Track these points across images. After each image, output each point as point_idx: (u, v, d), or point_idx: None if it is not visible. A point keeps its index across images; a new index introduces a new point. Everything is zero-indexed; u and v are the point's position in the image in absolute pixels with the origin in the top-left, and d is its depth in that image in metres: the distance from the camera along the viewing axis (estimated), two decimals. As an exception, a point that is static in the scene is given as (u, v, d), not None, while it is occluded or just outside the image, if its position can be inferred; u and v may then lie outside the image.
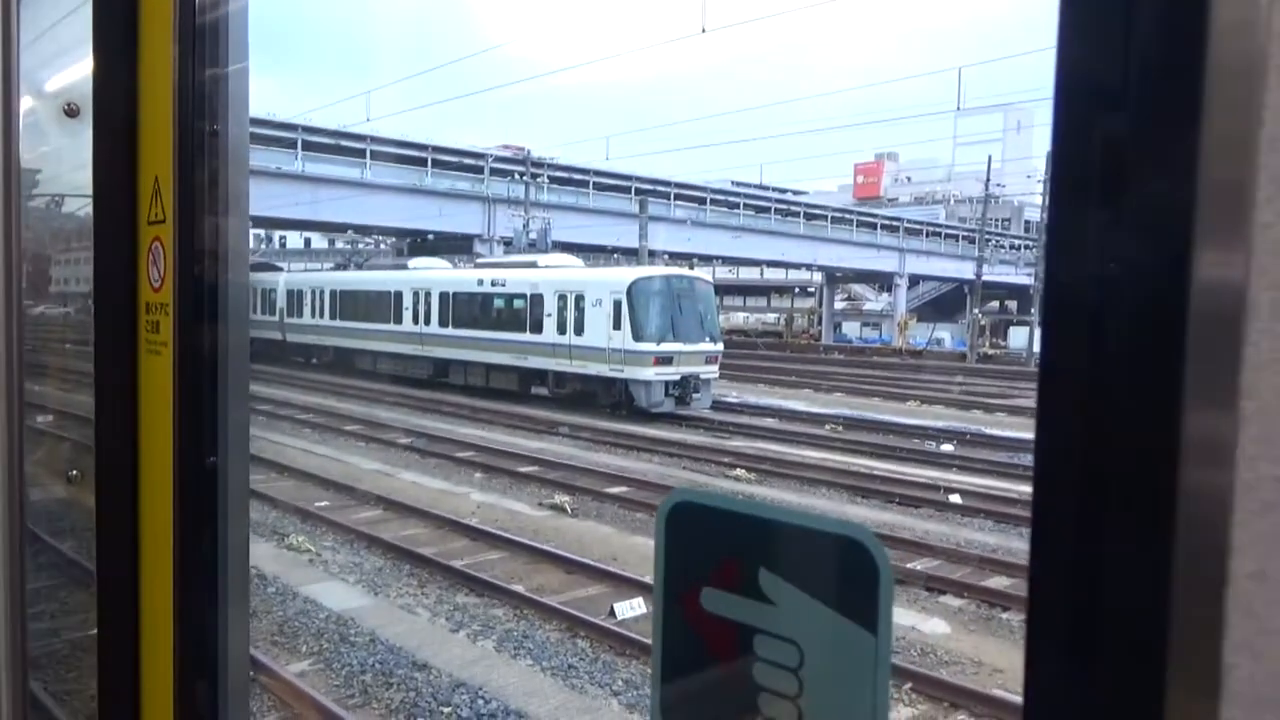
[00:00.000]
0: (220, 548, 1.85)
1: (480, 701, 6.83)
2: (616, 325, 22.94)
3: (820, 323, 64.16)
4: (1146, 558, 0.57)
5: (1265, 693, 0.53)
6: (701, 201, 48.79)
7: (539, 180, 41.40)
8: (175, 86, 1.80)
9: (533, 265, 27.88)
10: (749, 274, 72.32)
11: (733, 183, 58.24)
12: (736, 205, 51.19)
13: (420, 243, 43.76)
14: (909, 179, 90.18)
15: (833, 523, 0.83)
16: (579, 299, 24.17)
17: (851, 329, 65.64)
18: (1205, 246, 0.55)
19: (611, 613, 8.57)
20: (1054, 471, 0.64)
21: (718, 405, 23.69)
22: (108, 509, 2.05)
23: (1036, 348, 0.70)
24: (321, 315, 35.04)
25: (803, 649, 0.83)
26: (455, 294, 28.65)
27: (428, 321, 29.35)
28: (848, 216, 58.25)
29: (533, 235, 37.79)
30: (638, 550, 10.64)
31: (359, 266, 43.07)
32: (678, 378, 22.50)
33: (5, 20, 2.27)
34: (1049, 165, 0.65)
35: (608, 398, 23.37)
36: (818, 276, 63.22)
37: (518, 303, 26.16)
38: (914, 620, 8.59)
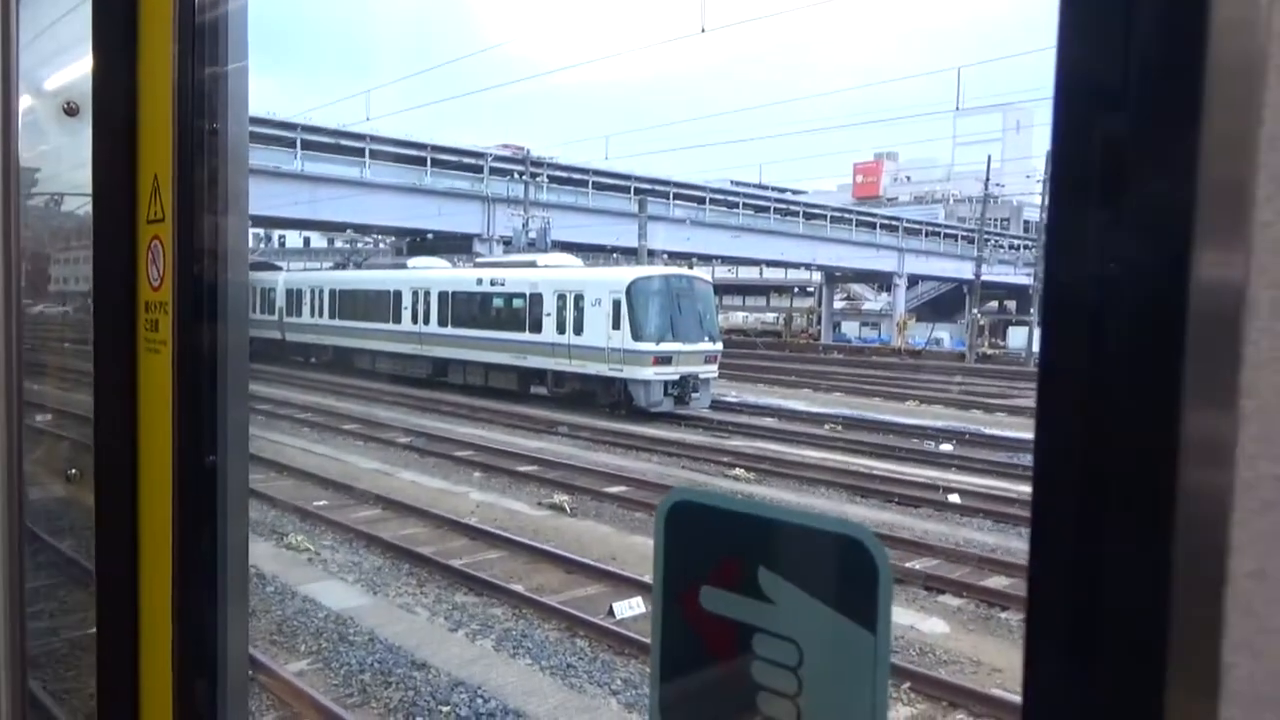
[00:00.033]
0: (219, 547, 1.85)
1: (479, 700, 6.83)
2: (616, 325, 22.94)
3: (819, 322, 64.17)
4: (1146, 557, 0.57)
5: (1264, 691, 0.53)
6: (701, 201, 48.77)
7: (538, 180, 41.39)
8: (175, 85, 1.80)
9: (532, 265, 27.88)
10: (748, 273, 72.31)
11: (732, 182, 58.24)
12: (736, 205, 51.19)
13: (419, 242, 43.74)
14: (908, 179, 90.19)
15: (832, 522, 0.83)
16: (578, 298, 24.17)
17: (851, 329, 65.64)
18: (1205, 245, 0.55)
19: (610, 612, 8.58)
20: (1053, 471, 0.64)
21: (717, 405, 23.69)
22: (107, 508, 2.05)
23: (1035, 347, 0.69)
24: (321, 314, 35.03)
25: (802, 648, 0.83)
26: (454, 293, 28.65)
27: (427, 321, 29.34)
28: (847, 216, 58.25)
29: (532, 235, 37.78)
30: (637, 550, 10.64)
31: (358, 266, 43.05)
32: (677, 377, 22.51)
33: (4, 18, 2.27)
34: (1048, 165, 0.65)
35: (607, 397, 23.37)
36: (817, 276, 63.23)
37: (517, 302, 26.16)
38: (913, 619, 8.59)
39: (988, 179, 50.04)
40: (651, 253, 36.12)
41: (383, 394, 25.59)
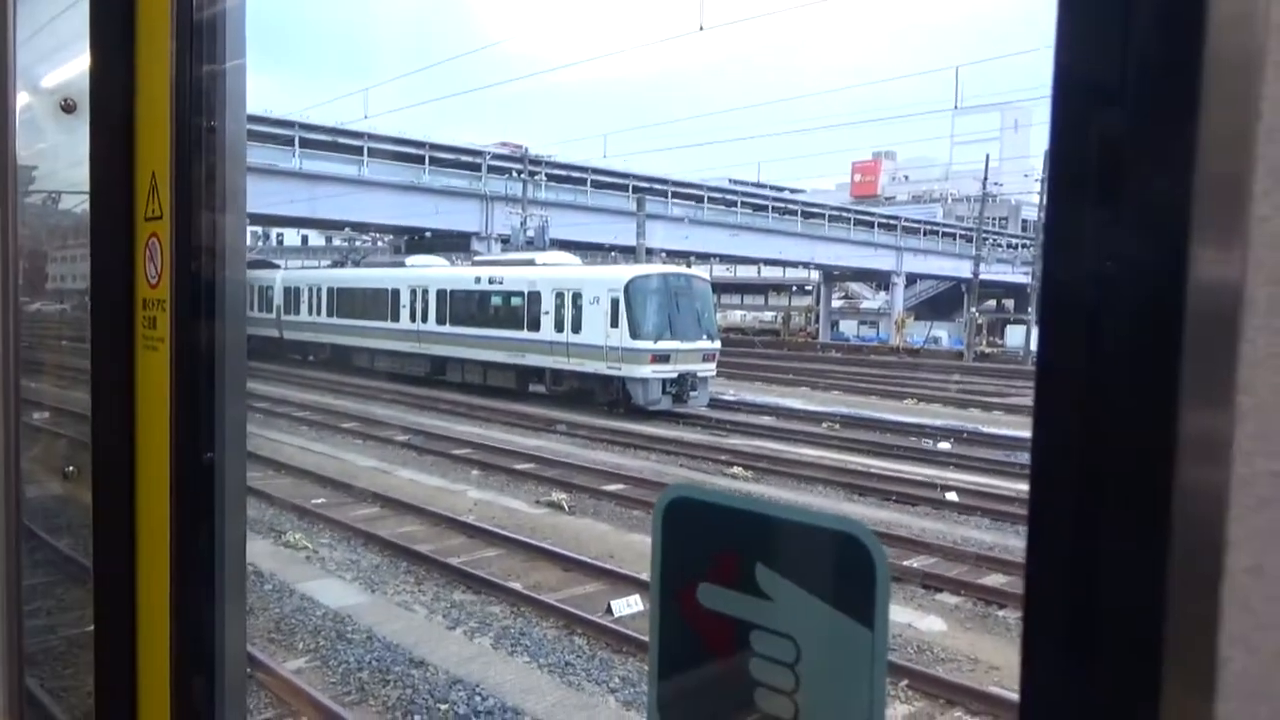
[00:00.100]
0: (217, 544, 1.85)
1: (477, 698, 6.83)
2: (614, 323, 22.94)
3: (817, 321, 64.18)
4: (1143, 554, 0.57)
5: (1260, 687, 0.53)
6: (699, 200, 48.77)
7: (537, 178, 41.37)
8: (173, 82, 1.80)
9: (530, 263, 27.87)
10: (746, 272, 72.34)
11: (730, 181, 58.27)
12: (734, 203, 51.19)
13: (418, 240, 43.71)
14: (906, 177, 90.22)
15: (829, 518, 0.83)
16: (576, 297, 24.16)
17: (849, 327, 65.64)
18: (1202, 241, 0.55)
19: (608, 610, 8.58)
20: (1051, 468, 0.64)
21: (715, 403, 23.69)
22: (104, 505, 2.05)
23: (1033, 346, 0.69)
24: (318, 313, 35.00)
25: (799, 644, 0.83)
26: (453, 291, 28.63)
27: (425, 319, 29.32)
28: (845, 215, 58.27)
29: (530, 233, 37.75)
30: (635, 548, 10.64)
31: (356, 264, 43.01)
32: (675, 375, 22.51)
33: (2, 15, 2.26)
34: (1047, 164, 0.65)
35: (605, 395, 23.37)
36: (815, 275, 63.24)
37: (515, 300, 26.15)
38: (911, 617, 8.60)
39: (986, 178, 50.06)
40: (650, 251, 36.12)
41: (381, 392, 25.58)
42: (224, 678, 1.86)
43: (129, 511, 2.00)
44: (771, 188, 61.50)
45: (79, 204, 2.42)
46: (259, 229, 58.09)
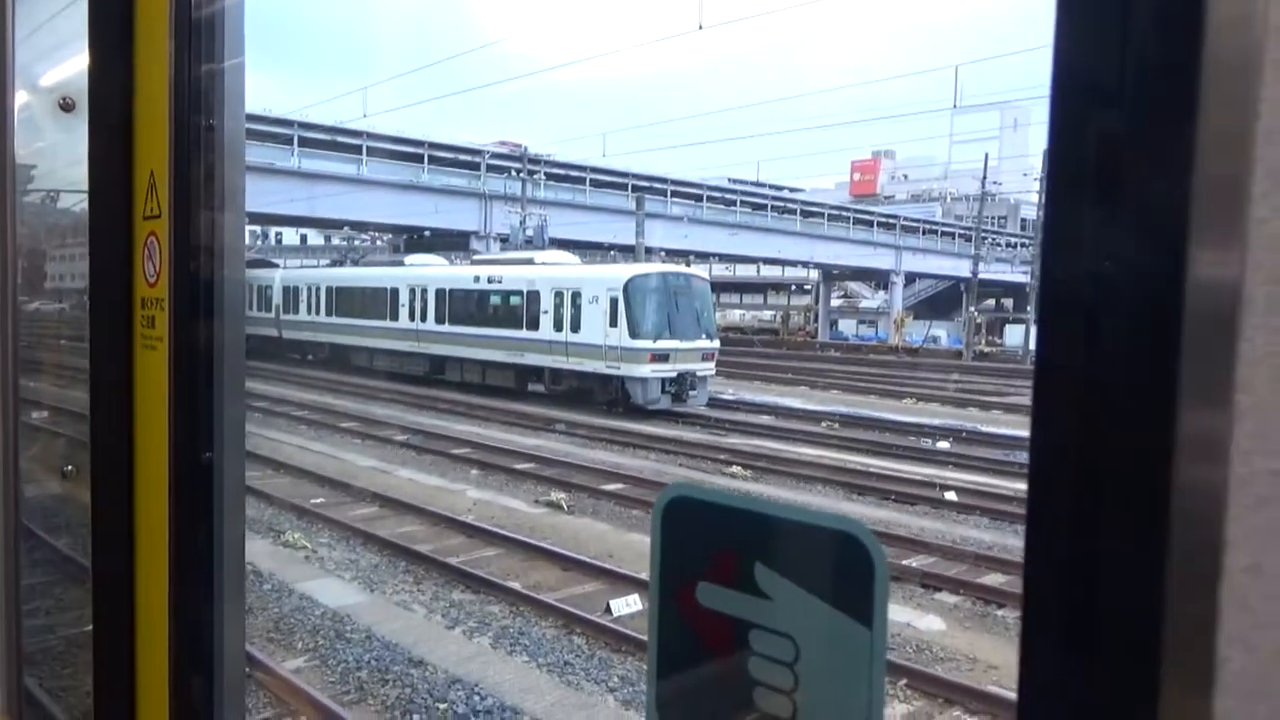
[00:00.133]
0: (216, 543, 1.85)
1: (476, 698, 6.84)
2: (613, 322, 22.93)
3: (816, 320, 64.19)
4: (1142, 553, 0.57)
5: (1258, 685, 0.53)
6: (698, 199, 48.76)
7: (536, 177, 41.35)
8: (171, 81, 1.80)
9: (529, 262, 27.85)
10: (746, 271, 72.35)
11: (729, 180, 58.24)
12: (733, 202, 51.17)
13: (417, 239, 43.68)
14: (905, 177, 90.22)
15: (828, 518, 0.83)
16: (575, 296, 24.15)
17: (848, 326, 65.65)
18: (1201, 242, 0.55)
19: (608, 610, 8.58)
20: (1050, 467, 0.64)
21: (714, 402, 23.69)
22: (103, 505, 2.04)
23: (1032, 345, 0.69)
24: (317, 312, 34.99)
25: (798, 644, 0.83)
26: (452, 291, 28.61)
27: (424, 318, 29.31)
28: (844, 214, 58.27)
29: (529, 232, 37.74)
30: (634, 547, 10.64)
31: (355, 263, 42.99)
32: (674, 375, 22.51)
33: (1, 14, 2.26)
34: (1045, 163, 0.65)
35: (604, 395, 23.37)
36: (814, 274, 63.26)
37: (514, 299, 26.14)
38: (910, 617, 8.61)
39: (985, 177, 50.08)
40: (649, 250, 36.12)
41: (380, 391, 25.57)
42: (223, 677, 1.86)
43: (128, 511, 2.00)
44: (770, 187, 61.50)
45: (77, 203, 2.42)
46: (258, 228, 58.11)
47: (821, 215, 55.83)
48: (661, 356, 22.43)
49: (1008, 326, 54.96)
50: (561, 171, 44.21)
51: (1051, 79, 0.62)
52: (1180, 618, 0.56)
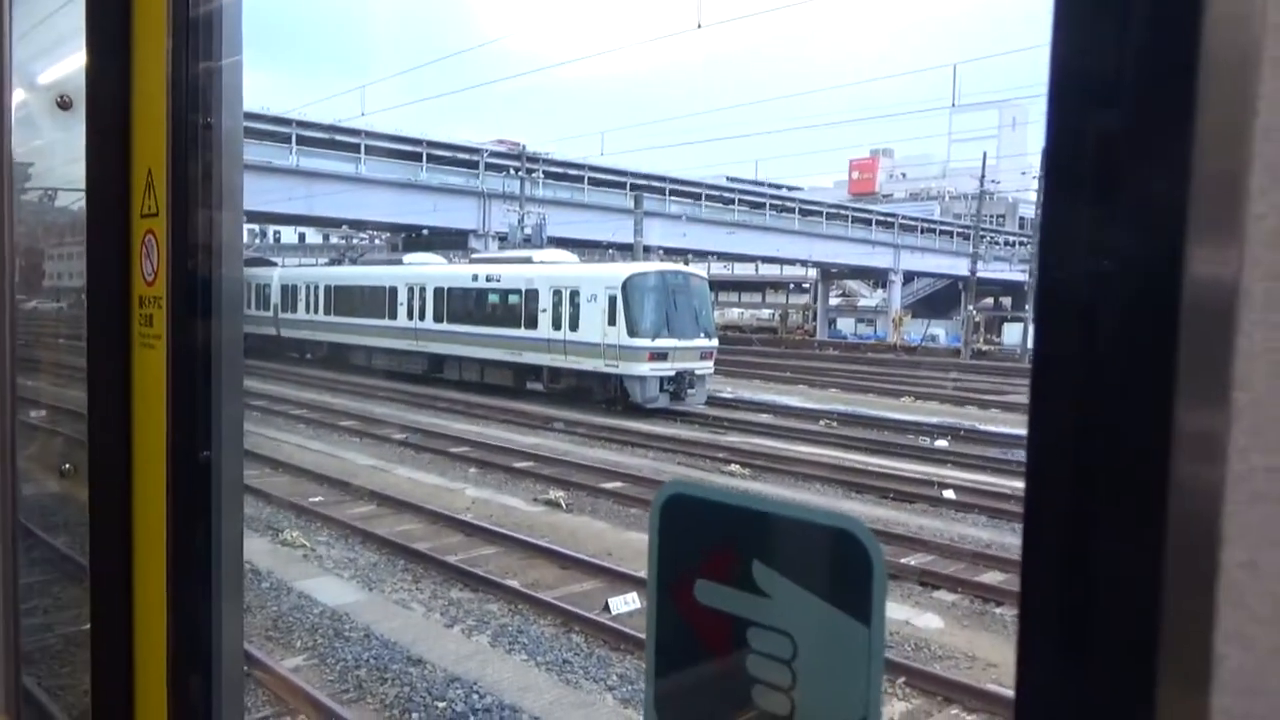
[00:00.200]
0: (214, 542, 1.84)
1: (475, 696, 6.84)
2: (611, 321, 22.93)
3: (815, 319, 64.23)
4: (1139, 550, 0.57)
5: (1256, 682, 0.53)
6: (697, 197, 48.79)
7: (534, 175, 41.34)
8: (169, 79, 1.80)
9: (528, 261, 27.86)
10: (744, 270, 72.38)
11: (728, 178, 58.25)
12: (731, 201, 51.20)
13: (415, 238, 43.69)
14: (904, 175, 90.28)
15: (826, 515, 0.83)
16: (574, 294, 24.15)
17: (846, 325, 65.70)
18: (1199, 238, 0.55)
19: (606, 608, 8.59)
20: (1047, 465, 0.64)
21: (712, 401, 23.70)
22: (101, 503, 2.04)
23: (1031, 344, 0.69)
24: (316, 310, 34.97)
25: (796, 641, 0.83)
26: (450, 289, 28.61)
27: (422, 317, 29.31)
28: (843, 212, 58.30)
29: (528, 230, 37.73)
30: (632, 545, 10.65)
31: (353, 261, 42.97)
32: (672, 373, 22.52)
33: (-3, 12, 2.26)
34: (1043, 160, 0.65)
35: (602, 393, 23.38)
36: (813, 272, 63.29)
37: (513, 298, 26.13)
38: (908, 615, 8.62)
39: (983, 175, 50.11)
40: (647, 249, 36.12)
41: (378, 390, 25.57)
42: (221, 676, 1.86)
43: (126, 510, 1.99)
44: (769, 185, 61.50)
45: (75, 201, 2.41)
46: (256, 226, 58.11)
47: (820, 214, 55.85)
48: (660, 355, 22.44)
49: (1006, 325, 55.03)
50: (560, 170, 44.22)
51: (1049, 76, 0.62)
52: (1177, 615, 0.56)
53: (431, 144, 39.67)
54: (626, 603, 8.66)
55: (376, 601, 8.99)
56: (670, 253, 41.32)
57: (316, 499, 12.81)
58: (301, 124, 36.48)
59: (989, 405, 24.08)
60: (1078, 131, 0.62)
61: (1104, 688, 0.60)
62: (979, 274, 48.12)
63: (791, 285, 72.60)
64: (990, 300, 63.19)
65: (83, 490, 2.10)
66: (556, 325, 24.46)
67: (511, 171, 40.53)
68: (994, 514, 12.17)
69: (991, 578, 9.56)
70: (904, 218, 59.79)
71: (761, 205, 52.57)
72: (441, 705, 6.74)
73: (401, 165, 38.73)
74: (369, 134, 37.74)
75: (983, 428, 19.45)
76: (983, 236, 51.23)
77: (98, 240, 2.00)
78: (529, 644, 7.85)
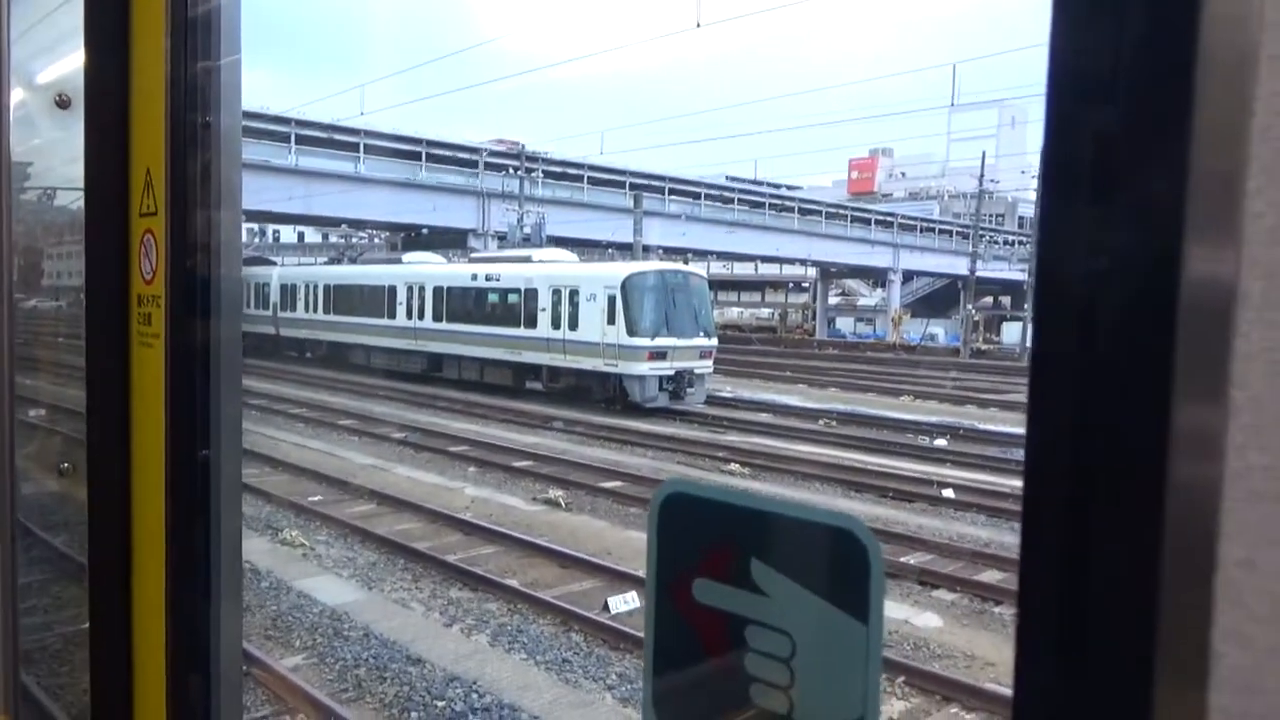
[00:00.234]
0: (213, 541, 1.84)
1: (474, 696, 6.84)
2: (611, 320, 22.93)
3: (814, 318, 64.24)
4: (1137, 548, 0.57)
5: (1253, 681, 0.53)
6: (696, 196, 48.79)
7: (533, 175, 41.33)
8: (167, 78, 1.79)
9: (527, 260, 27.86)
10: (743, 269, 72.39)
11: (727, 177, 58.26)
12: (731, 200, 51.20)
13: (414, 237, 43.69)
14: (903, 174, 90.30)
15: (824, 513, 0.83)
16: (573, 294, 24.15)
17: (846, 324, 65.74)
18: (1197, 237, 0.55)
19: (605, 607, 8.59)
20: (1045, 463, 0.64)
21: (712, 400, 23.71)
22: (99, 502, 2.04)
23: (1030, 343, 0.69)
24: (315, 310, 34.97)
25: (794, 639, 0.83)
26: (449, 289, 28.61)
27: (421, 316, 29.31)
28: (842, 212, 58.30)
29: (527, 230, 37.73)
30: (631, 544, 10.65)
31: (353, 261, 42.96)
32: (672, 372, 22.52)
33: (-4, 11, 2.25)
34: (1041, 159, 0.65)
35: (602, 393, 23.38)
36: (812, 272, 63.29)
37: (512, 297, 26.14)
38: (907, 614, 8.62)
39: (982, 175, 50.12)
40: (646, 248, 36.12)
41: (377, 389, 25.56)
42: (220, 675, 1.86)
43: (124, 508, 1.99)
44: (768, 184, 61.52)
45: (74, 200, 2.41)
46: (255, 226, 58.08)
47: (819, 213, 55.86)
48: (659, 354, 22.44)
49: (1005, 324, 55.09)
50: (559, 169, 44.21)
51: (1048, 75, 0.62)
52: (1175, 613, 0.56)
53: (431, 143, 39.65)
54: (626, 602, 8.66)
55: (376, 601, 8.99)
56: (669, 252, 41.33)
57: (316, 498, 12.80)
58: (300, 123, 36.46)
59: (988, 404, 24.09)
60: (1076, 130, 0.62)
61: (1102, 686, 0.60)
62: (978, 273, 48.15)
63: (791, 284, 72.62)
64: (989, 299, 63.22)
65: (81, 489, 2.10)
66: (556, 324, 24.45)
67: (511, 171, 40.53)
68: (993, 513, 12.18)
69: (990, 576, 9.56)
70: (903, 217, 59.79)
71: (761, 204, 52.57)
72: (441, 704, 6.74)
73: (400, 164, 38.71)
74: (368, 133, 37.73)
75: (982, 427, 19.45)
76: (982, 236, 51.25)
77: (96, 239, 2.00)
78: (528, 643, 7.85)
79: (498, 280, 26.98)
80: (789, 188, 64.29)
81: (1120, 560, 0.59)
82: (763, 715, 0.86)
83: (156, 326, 1.87)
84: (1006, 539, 10.88)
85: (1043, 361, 0.64)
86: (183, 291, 1.81)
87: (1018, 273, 52.22)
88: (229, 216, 1.83)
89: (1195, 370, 0.55)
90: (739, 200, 51.65)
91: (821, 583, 0.83)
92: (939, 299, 61.83)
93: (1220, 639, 0.54)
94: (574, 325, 23.94)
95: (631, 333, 22.57)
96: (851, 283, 69.07)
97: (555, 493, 13.24)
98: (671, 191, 47.26)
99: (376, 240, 54.36)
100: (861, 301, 68.48)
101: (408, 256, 36.01)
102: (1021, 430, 0.65)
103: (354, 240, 54.04)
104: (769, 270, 71.80)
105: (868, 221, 57.54)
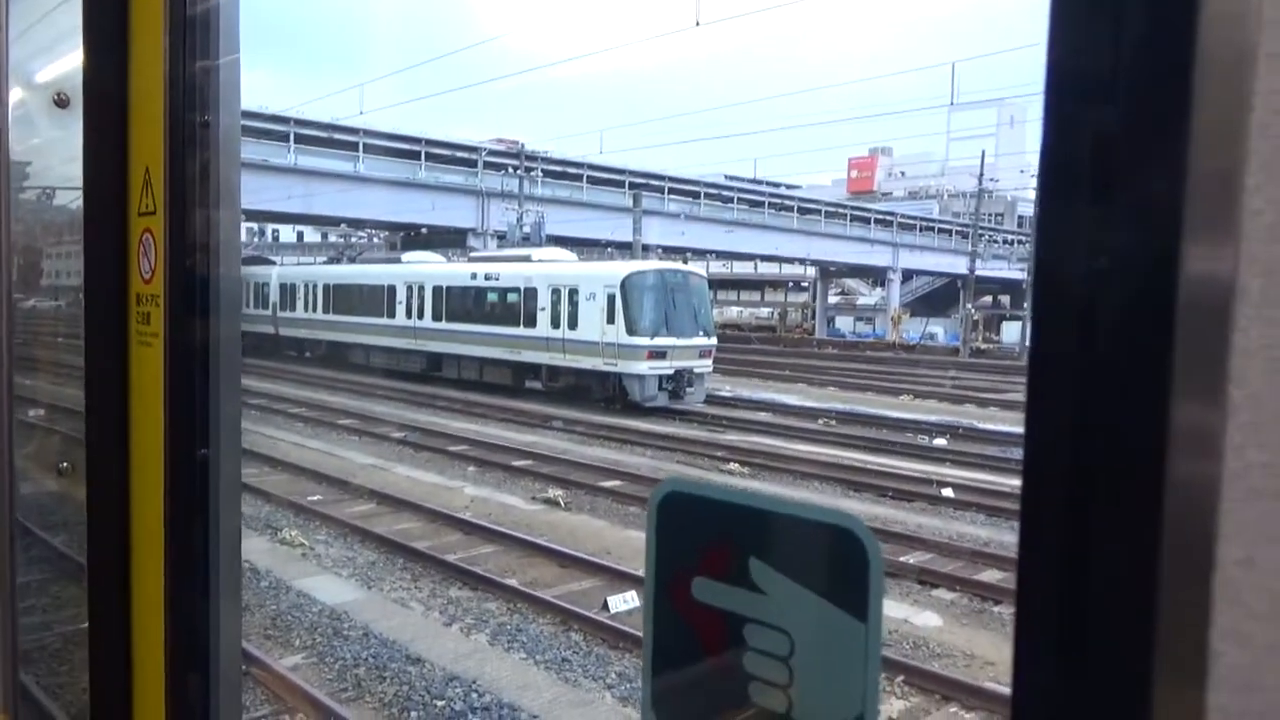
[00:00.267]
0: (212, 540, 1.84)
1: (474, 695, 6.84)
2: (610, 319, 22.93)
3: (814, 317, 64.24)
4: (1136, 546, 0.57)
5: (1252, 679, 0.53)
6: (695, 196, 48.77)
7: (533, 174, 41.31)
8: (166, 77, 1.79)
9: (526, 259, 27.85)
10: (743, 268, 72.36)
11: (726, 177, 58.24)
12: (730, 199, 51.18)
13: (413, 236, 43.66)
14: (903, 173, 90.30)
15: (823, 511, 0.83)
16: (573, 293, 24.14)
17: (845, 323, 65.72)
18: (1196, 234, 0.55)
19: (605, 606, 8.59)
20: (1044, 462, 0.64)
21: (711, 399, 23.71)
22: (98, 501, 2.04)
23: (1029, 342, 0.69)
24: (314, 309, 34.96)
25: (793, 638, 0.83)
26: (449, 288, 28.61)
27: (421, 315, 29.31)
28: (841, 211, 58.27)
29: (526, 229, 37.71)
30: (631, 544, 10.65)
31: (352, 260, 42.95)
32: (671, 372, 22.52)
33: (-6, 10, 2.25)
34: (1040, 158, 0.65)
35: (601, 392, 23.37)
36: (811, 271, 63.28)
37: (511, 297, 26.13)
38: (906, 613, 8.62)
39: (982, 174, 50.12)
40: (646, 247, 36.11)
41: (377, 389, 25.56)
42: (219, 674, 1.86)
43: (123, 508, 1.99)
44: (768, 183, 61.50)
45: (73, 199, 2.41)
46: (254, 225, 58.04)
47: (819, 212, 55.84)
48: (659, 353, 22.43)
49: (1004, 323, 55.10)
50: (559, 168, 44.17)
51: (1046, 73, 0.62)
52: (1174, 611, 0.56)
53: (430, 142, 39.62)
54: (625, 601, 8.66)
55: (375, 600, 8.99)
56: (669, 251, 41.32)
57: (315, 497, 12.80)
58: (300, 122, 36.42)
59: (987, 403, 24.09)
60: (1074, 129, 0.62)
61: (1101, 685, 0.60)
62: (978, 272, 48.16)
63: (790, 283, 72.62)
64: (989, 298, 63.23)
65: (80, 488, 2.10)
66: (555, 324, 24.45)
67: (510, 170, 40.50)
68: (992, 512, 12.18)
69: (990, 576, 9.56)
70: (903, 216, 59.77)
71: (760, 204, 52.56)
72: (440, 704, 6.74)
73: (400, 164, 38.68)
74: (367, 132, 37.70)
75: (981, 426, 19.45)
76: (981, 235, 51.25)
77: (95, 238, 2.00)
78: (528, 642, 7.85)
79: (497, 279, 26.97)
80: (788, 187, 64.30)
81: (1119, 558, 0.59)
82: (762, 714, 0.86)
83: (155, 326, 1.87)
84: (1006, 538, 10.88)
85: (1041, 360, 0.64)
86: (182, 291, 1.81)
87: (1017, 272, 52.23)
88: (228, 216, 1.83)
89: (1194, 368, 0.55)
90: (738, 199, 51.63)
91: (821, 581, 0.83)
92: (938, 298, 61.82)
93: (1219, 637, 0.54)
94: (573, 324, 23.93)
95: (631, 332, 22.56)
96: (851, 282, 69.05)
97: (555, 492, 13.24)
98: (671, 191, 47.24)
99: (376, 239, 54.35)
100: (861, 300, 68.48)
101: (407, 256, 36.00)
102: (1020, 429, 0.65)
103: (353, 239, 54.03)
104: (768, 269, 71.79)
105: (867, 220, 57.53)
